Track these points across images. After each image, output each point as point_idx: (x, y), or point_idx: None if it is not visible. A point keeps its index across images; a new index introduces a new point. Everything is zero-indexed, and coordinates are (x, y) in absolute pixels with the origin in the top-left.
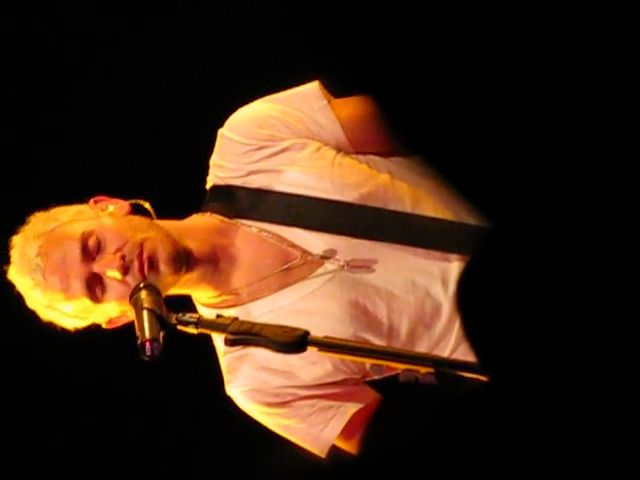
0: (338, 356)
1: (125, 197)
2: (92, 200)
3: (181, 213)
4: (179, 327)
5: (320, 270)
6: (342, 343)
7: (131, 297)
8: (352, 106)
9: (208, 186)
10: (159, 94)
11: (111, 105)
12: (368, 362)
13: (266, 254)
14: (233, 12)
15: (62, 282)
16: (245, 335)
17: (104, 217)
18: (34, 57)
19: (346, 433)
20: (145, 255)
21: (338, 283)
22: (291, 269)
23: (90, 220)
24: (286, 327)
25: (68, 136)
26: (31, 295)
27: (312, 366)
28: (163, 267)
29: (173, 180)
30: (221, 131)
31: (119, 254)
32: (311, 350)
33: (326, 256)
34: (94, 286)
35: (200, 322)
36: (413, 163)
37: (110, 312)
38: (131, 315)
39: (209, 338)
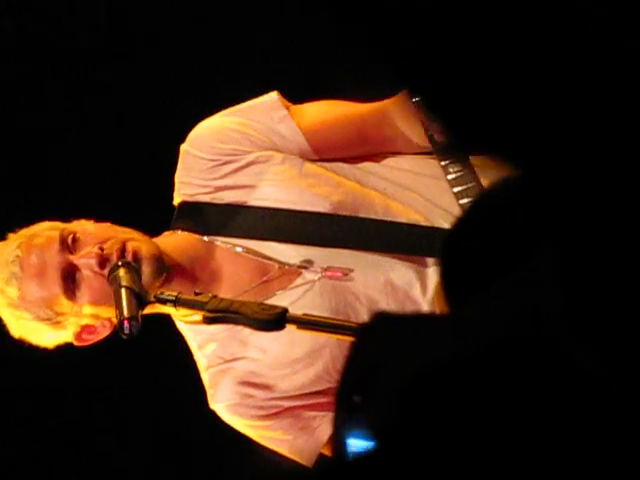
0: (317, 335)
1: (94, 215)
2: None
3: (149, 231)
4: (158, 305)
5: (299, 280)
6: (321, 320)
7: (109, 275)
8: (312, 113)
9: (176, 202)
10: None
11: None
12: (349, 339)
13: (243, 269)
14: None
15: (39, 268)
16: (223, 313)
17: (86, 224)
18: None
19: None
20: (129, 248)
21: (318, 292)
22: (269, 281)
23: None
24: (265, 305)
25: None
26: (5, 296)
27: (294, 376)
28: (145, 266)
29: (138, 198)
30: (184, 147)
31: (98, 247)
32: (293, 359)
33: (303, 266)
34: (70, 280)
35: (179, 300)
36: (381, 168)
37: (83, 317)
38: (103, 331)
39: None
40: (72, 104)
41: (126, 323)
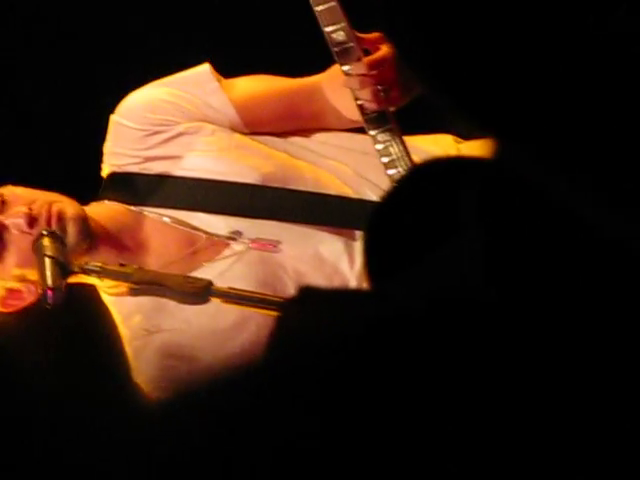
0: (242, 308)
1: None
2: None
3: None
4: (81, 275)
5: (227, 252)
6: (246, 294)
7: (33, 244)
8: (243, 86)
9: (104, 173)
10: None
11: None
12: (273, 314)
13: (171, 239)
14: None
15: None
16: (149, 285)
17: (13, 188)
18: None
19: None
20: (54, 210)
21: (246, 264)
22: (197, 252)
23: None
24: (190, 277)
25: None
26: None
27: (219, 347)
28: (71, 227)
29: (65, 168)
30: (113, 117)
31: (26, 207)
32: (218, 330)
33: (232, 237)
34: None
35: (103, 271)
36: (311, 143)
37: (9, 279)
38: (29, 296)
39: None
40: None
41: (49, 293)
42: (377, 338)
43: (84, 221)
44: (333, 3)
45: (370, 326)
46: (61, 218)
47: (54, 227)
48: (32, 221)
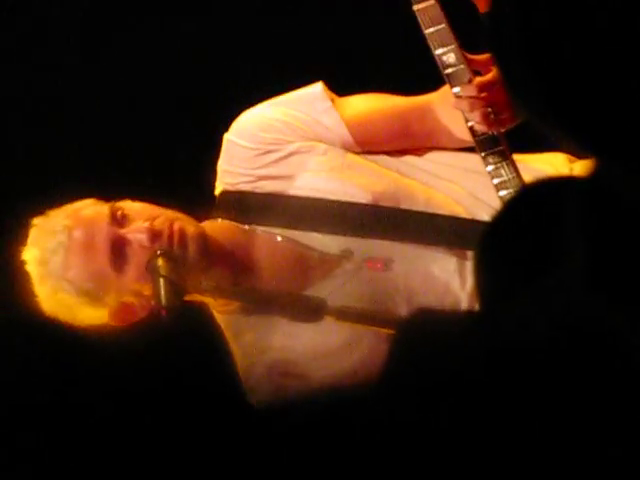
0: (355, 326)
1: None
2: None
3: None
4: (196, 295)
5: (338, 271)
6: (359, 312)
7: (148, 264)
8: (356, 105)
9: (217, 192)
10: (167, 95)
11: (116, 105)
12: (386, 332)
13: (283, 258)
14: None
15: (88, 239)
16: (262, 303)
17: (131, 203)
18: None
19: None
20: (176, 227)
21: (357, 283)
22: (309, 271)
23: None
24: (303, 295)
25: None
26: (48, 266)
27: (330, 366)
28: (191, 245)
29: (181, 185)
30: (227, 136)
31: (148, 223)
32: (329, 349)
33: (343, 256)
34: (118, 253)
35: (217, 290)
36: (423, 161)
37: (125, 293)
38: (141, 312)
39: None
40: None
41: (163, 313)
42: (495, 367)
43: (204, 240)
44: (443, 25)
45: (487, 355)
46: (183, 236)
47: (175, 245)
48: (154, 237)
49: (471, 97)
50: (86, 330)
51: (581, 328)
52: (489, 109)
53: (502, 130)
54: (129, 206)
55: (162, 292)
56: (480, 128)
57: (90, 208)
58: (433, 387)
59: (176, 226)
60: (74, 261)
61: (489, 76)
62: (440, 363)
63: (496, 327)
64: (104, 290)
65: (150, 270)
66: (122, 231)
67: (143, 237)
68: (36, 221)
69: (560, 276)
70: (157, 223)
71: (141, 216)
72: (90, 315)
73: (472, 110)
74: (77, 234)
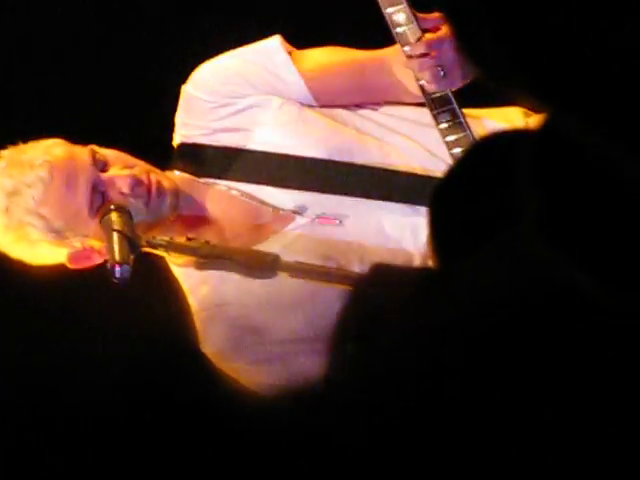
0: (310, 282)
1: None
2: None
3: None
4: (148, 249)
5: (291, 226)
6: (313, 268)
7: (101, 219)
8: (313, 58)
9: (174, 144)
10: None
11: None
12: (339, 287)
13: (237, 212)
14: None
15: (70, 178)
16: (216, 259)
17: (101, 148)
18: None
19: None
20: (154, 179)
21: (309, 238)
22: (262, 225)
23: None
24: (257, 251)
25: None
26: (20, 199)
27: (284, 320)
28: (168, 198)
29: (139, 137)
30: (184, 88)
31: (128, 171)
32: (282, 305)
33: (297, 211)
34: (97, 196)
35: (171, 245)
36: (380, 116)
37: (90, 238)
38: (97, 257)
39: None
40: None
41: (117, 267)
42: (454, 328)
43: (178, 194)
44: None
45: (446, 314)
46: (160, 188)
47: (153, 195)
48: (135, 185)
49: (420, 55)
50: (33, 268)
51: (539, 282)
52: (439, 68)
53: (452, 89)
54: (104, 151)
55: (116, 247)
56: (430, 87)
57: (63, 147)
58: (390, 349)
59: (153, 178)
60: (52, 198)
61: (439, 34)
62: (397, 323)
63: (453, 284)
64: (73, 231)
65: (104, 225)
66: (105, 175)
67: (125, 183)
68: (5, 153)
69: (515, 230)
70: (136, 172)
71: (118, 163)
72: (49, 253)
73: (421, 70)
74: (59, 171)
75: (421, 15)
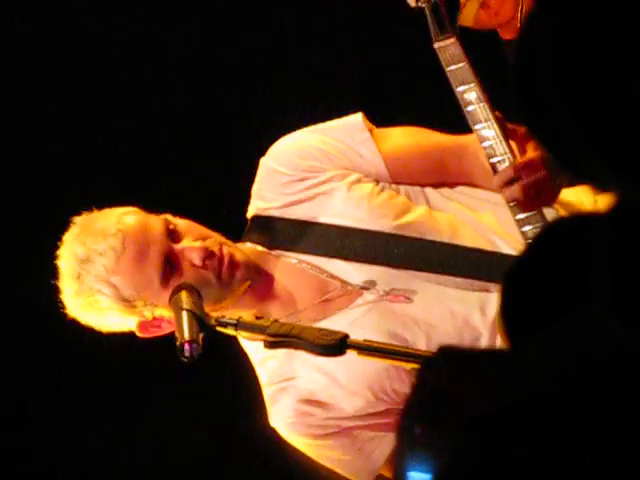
0: (378, 360)
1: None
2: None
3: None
4: (218, 328)
5: (359, 301)
6: (381, 346)
7: (171, 298)
8: (394, 138)
9: (249, 215)
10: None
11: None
12: (407, 366)
13: (305, 285)
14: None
15: (143, 248)
16: (284, 337)
17: (174, 218)
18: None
19: (391, 462)
20: (226, 252)
21: (377, 314)
22: (330, 300)
23: None
24: (326, 330)
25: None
26: (91, 266)
27: (352, 396)
28: (240, 271)
29: (214, 209)
30: (263, 160)
31: (200, 242)
32: (351, 380)
33: (365, 287)
34: (169, 268)
35: (239, 324)
36: (453, 193)
37: (162, 306)
38: (167, 327)
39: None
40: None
41: (187, 346)
42: (533, 409)
43: (248, 267)
44: (464, 63)
45: (510, 401)
46: (232, 261)
47: (225, 268)
48: (206, 257)
49: (509, 179)
50: (103, 334)
51: (613, 362)
52: (532, 193)
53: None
54: (177, 222)
55: (185, 325)
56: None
57: (136, 216)
58: (457, 433)
59: (226, 250)
60: (123, 267)
61: (527, 158)
62: (463, 405)
63: (521, 366)
64: (143, 300)
65: (174, 304)
66: (177, 247)
67: (197, 255)
68: (78, 220)
69: (589, 311)
70: (208, 244)
71: (191, 234)
72: (118, 321)
73: (512, 199)
74: (131, 241)
75: (509, 125)
